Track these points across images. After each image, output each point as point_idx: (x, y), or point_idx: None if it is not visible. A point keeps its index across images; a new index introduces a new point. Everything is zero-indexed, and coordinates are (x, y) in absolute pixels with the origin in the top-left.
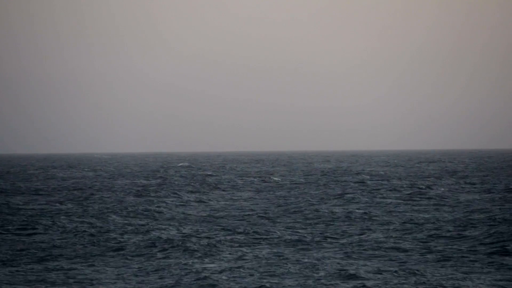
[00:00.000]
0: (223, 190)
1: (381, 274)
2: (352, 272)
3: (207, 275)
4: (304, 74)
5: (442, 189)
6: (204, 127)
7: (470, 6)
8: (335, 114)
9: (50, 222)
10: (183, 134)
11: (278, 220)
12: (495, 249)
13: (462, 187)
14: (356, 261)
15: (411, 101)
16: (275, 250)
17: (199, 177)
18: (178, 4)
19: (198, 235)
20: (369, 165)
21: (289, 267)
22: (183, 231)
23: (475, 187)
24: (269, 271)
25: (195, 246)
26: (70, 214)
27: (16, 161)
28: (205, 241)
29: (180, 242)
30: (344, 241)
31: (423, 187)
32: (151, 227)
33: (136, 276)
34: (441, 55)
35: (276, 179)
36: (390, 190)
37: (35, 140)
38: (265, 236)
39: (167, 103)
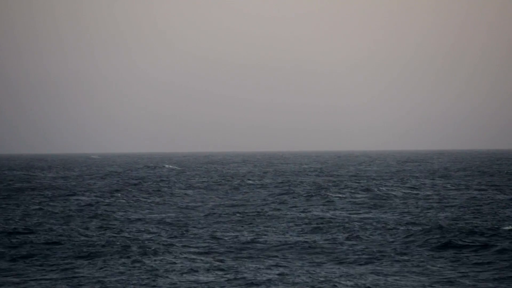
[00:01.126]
0: (178, 192)
1: (321, 278)
2: (287, 275)
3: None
4: (302, 73)
5: (394, 188)
6: (204, 127)
7: (469, 6)
8: (332, 113)
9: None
10: (186, 134)
11: (219, 223)
12: (441, 244)
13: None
14: (294, 263)
15: (408, 101)
16: (207, 254)
17: (163, 178)
18: (180, 3)
19: (138, 238)
20: (350, 166)
21: (225, 273)
22: (121, 233)
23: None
24: (193, 276)
25: (134, 249)
26: (28, 215)
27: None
28: (138, 244)
29: (117, 245)
30: (288, 241)
31: (379, 187)
32: (99, 228)
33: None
34: (439, 56)
35: (249, 181)
36: (341, 189)
37: (35, 140)
38: (204, 240)
39: (170, 102)
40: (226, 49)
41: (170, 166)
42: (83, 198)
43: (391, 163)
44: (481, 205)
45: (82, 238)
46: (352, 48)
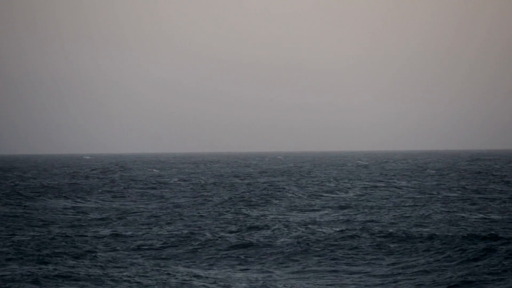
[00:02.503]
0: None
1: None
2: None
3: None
4: (300, 72)
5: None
6: (202, 126)
7: (467, 6)
8: (331, 113)
9: None
10: (187, 134)
11: (160, 223)
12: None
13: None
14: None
15: (407, 101)
16: (142, 255)
17: (133, 179)
18: (183, 1)
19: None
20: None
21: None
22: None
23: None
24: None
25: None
26: None
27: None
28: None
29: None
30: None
31: (335, 189)
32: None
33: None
34: (438, 55)
35: (227, 179)
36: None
37: (35, 140)
38: (138, 240)
39: (172, 102)
40: (225, 48)
41: (154, 169)
42: (42, 198)
43: (369, 163)
44: (428, 204)
45: (35, 241)
46: (349, 47)
